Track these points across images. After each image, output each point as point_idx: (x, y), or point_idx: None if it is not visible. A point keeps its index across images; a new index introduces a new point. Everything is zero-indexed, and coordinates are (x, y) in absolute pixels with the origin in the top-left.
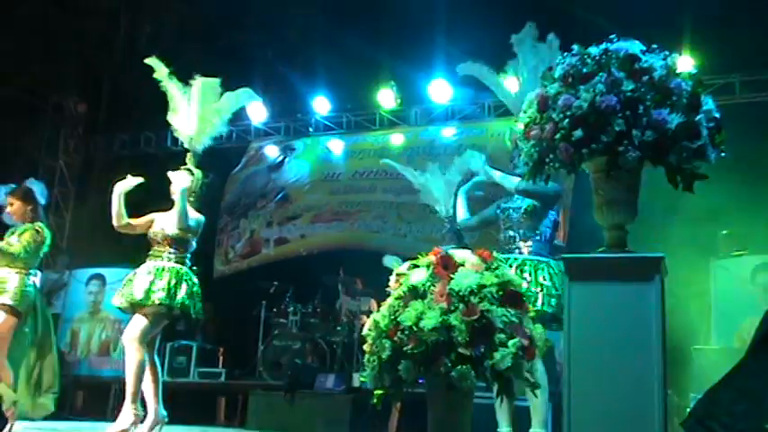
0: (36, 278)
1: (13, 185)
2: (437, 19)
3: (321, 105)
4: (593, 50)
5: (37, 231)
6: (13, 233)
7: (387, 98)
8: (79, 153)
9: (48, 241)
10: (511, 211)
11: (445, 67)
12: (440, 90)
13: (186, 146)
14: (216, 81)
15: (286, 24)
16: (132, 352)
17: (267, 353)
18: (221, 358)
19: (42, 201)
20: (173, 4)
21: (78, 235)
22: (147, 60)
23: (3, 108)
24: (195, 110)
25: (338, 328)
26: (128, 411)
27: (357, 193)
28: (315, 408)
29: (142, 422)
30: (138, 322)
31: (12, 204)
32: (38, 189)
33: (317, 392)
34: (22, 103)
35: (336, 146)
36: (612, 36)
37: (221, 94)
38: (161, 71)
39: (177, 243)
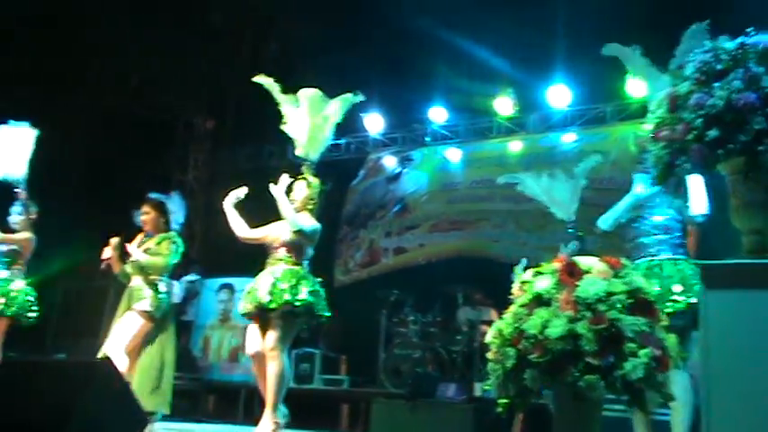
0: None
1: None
2: (555, 22)
3: (438, 114)
4: (728, 45)
5: (173, 242)
6: (144, 242)
7: (504, 105)
8: (207, 167)
9: (180, 250)
10: (648, 218)
11: (564, 72)
12: (559, 95)
13: (302, 156)
14: (318, 92)
15: (401, 35)
16: (273, 361)
17: (388, 361)
18: (344, 366)
19: (182, 213)
20: (294, 23)
21: (208, 245)
22: (257, 79)
23: (139, 127)
24: (305, 120)
25: (458, 338)
26: (267, 420)
27: (475, 201)
28: (436, 417)
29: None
30: (273, 331)
31: (147, 213)
32: (178, 203)
33: (439, 401)
34: (156, 122)
35: (454, 155)
36: (749, 29)
37: (328, 102)
38: (272, 87)
39: (293, 249)
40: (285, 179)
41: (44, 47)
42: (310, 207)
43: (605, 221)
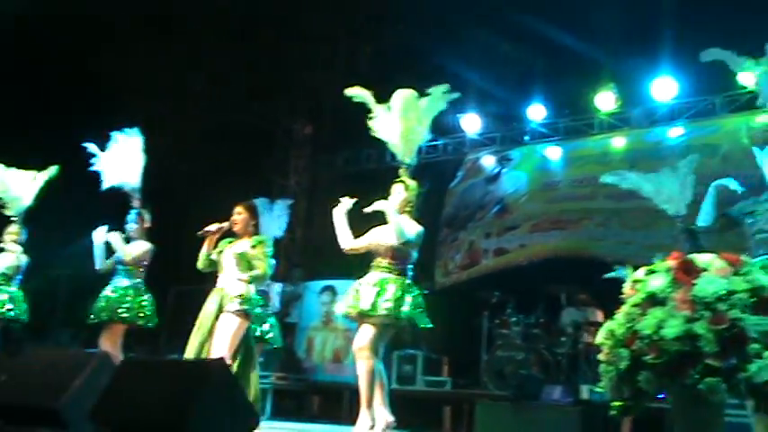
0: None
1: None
2: (658, 10)
3: (536, 112)
4: None
5: (266, 244)
6: (231, 242)
7: (605, 100)
8: (307, 172)
9: (271, 253)
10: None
11: (670, 64)
12: (664, 88)
13: (398, 158)
14: (412, 92)
15: (497, 32)
16: (362, 361)
17: (491, 363)
18: (445, 367)
19: (285, 220)
20: (389, 27)
21: (309, 249)
22: (349, 92)
23: (241, 134)
24: (399, 122)
25: (562, 339)
26: (364, 418)
27: (577, 200)
28: (542, 419)
29: (372, 428)
30: (367, 332)
31: (240, 214)
32: (281, 209)
33: (544, 404)
34: (258, 128)
35: (554, 153)
36: None
37: (420, 101)
38: (365, 98)
39: (398, 255)
40: (397, 190)
41: (152, 60)
42: (408, 210)
43: (700, 218)
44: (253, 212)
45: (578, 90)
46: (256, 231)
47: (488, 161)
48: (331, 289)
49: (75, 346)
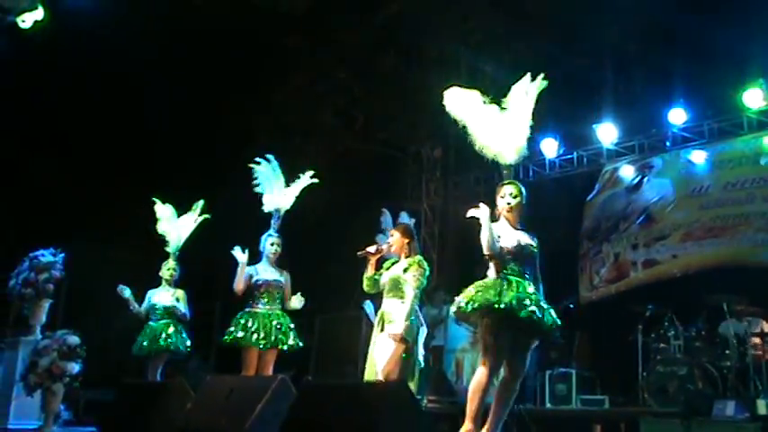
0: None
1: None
2: None
3: (677, 116)
4: None
5: (419, 265)
6: (389, 267)
7: (754, 98)
8: (439, 195)
9: (427, 274)
10: None
11: None
12: None
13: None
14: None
15: (630, 35)
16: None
17: (651, 379)
18: (598, 385)
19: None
20: (511, 44)
21: (446, 270)
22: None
23: (371, 162)
24: (496, 125)
25: (726, 352)
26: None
27: (732, 205)
28: None
29: None
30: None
31: (392, 235)
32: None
33: (717, 420)
34: (386, 155)
35: (699, 157)
36: None
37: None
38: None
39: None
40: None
41: (279, 96)
42: (512, 214)
43: None
44: (406, 233)
45: (722, 89)
46: (413, 252)
47: (627, 171)
48: None
49: (206, 371)
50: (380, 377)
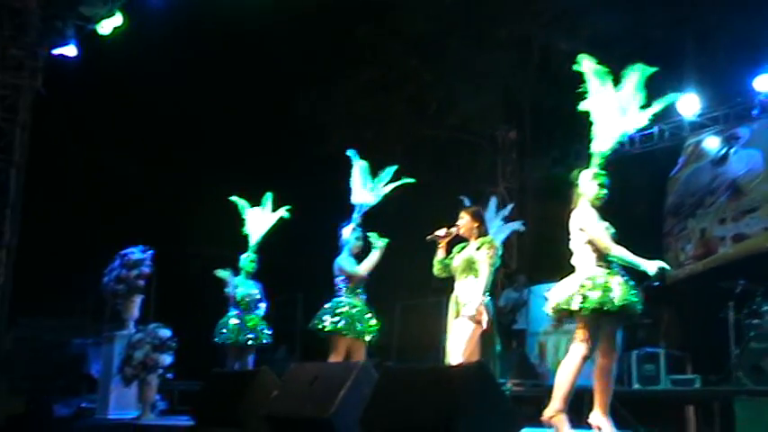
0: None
1: None
2: None
3: (764, 83)
4: None
5: (492, 244)
6: (460, 250)
7: None
8: (515, 177)
9: (500, 253)
10: None
11: None
12: None
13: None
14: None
15: (708, 3)
16: (570, 354)
17: (745, 356)
18: (689, 364)
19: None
20: (586, 19)
21: (525, 253)
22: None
23: (445, 148)
24: (615, 101)
25: None
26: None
27: None
28: None
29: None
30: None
31: (462, 218)
32: (493, 206)
33: None
34: (459, 140)
35: None
36: None
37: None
38: (586, 66)
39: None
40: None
41: (348, 90)
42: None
43: None
44: (475, 216)
45: None
46: (481, 234)
47: (712, 143)
48: None
49: (291, 360)
50: (454, 359)
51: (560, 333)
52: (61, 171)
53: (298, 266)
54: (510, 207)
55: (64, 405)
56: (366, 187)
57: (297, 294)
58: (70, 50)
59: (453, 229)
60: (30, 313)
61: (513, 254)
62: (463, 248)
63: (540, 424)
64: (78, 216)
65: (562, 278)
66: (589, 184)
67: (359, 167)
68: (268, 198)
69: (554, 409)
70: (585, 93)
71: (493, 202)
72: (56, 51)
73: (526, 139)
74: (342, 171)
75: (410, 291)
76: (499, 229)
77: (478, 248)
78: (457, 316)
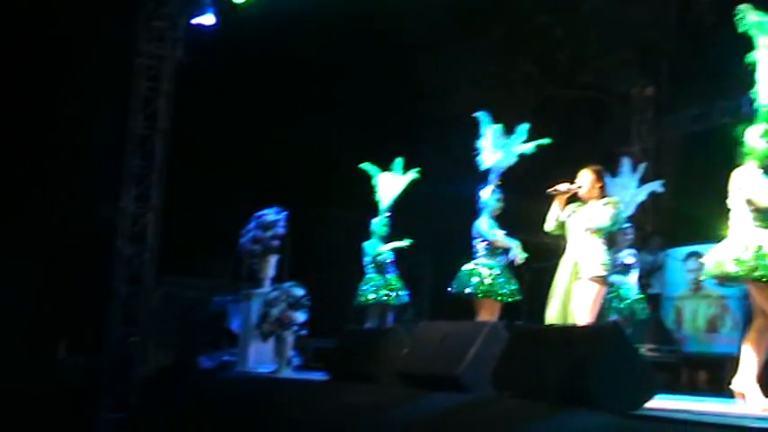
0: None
1: None
2: None
3: None
4: None
5: (615, 205)
6: (579, 207)
7: None
8: (652, 136)
9: (622, 216)
10: None
11: None
12: None
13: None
14: None
15: None
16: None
17: None
18: None
19: (635, 182)
20: None
21: (662, 215)
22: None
23: (576, 108)
24: None
25: None
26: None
27: None
28: None
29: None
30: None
31: (584, 177)
32: (627, 167)
33: None
34: (590, 99)
35: None
36: None
37: None
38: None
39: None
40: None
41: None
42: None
43: None
44: (598, 175)
45: None
46: (603, 195)
47: None
48: (697, 255)
49: (419, 321)
50: (580, 321)
51: (698, 298)
52: (203, 136)
53: (425, 229)
54: (644, 167)
55: (208, 358)
56: (499, 148)
57: (425, 256)
58: (208, 19)
59: (574, 186)
60: (174, 272)
61: (648, 216)
62: (581, 207)
63: (675, 391)
64: (217, 180)
65: (706, 240)
66: (757, 142)
67: (490, 130)
68: (399, 163)
69: (742, 380)
70: (740, 48)
71: (626, 162)
72: (194, 21)
73: (663, 95)
74: (468, 133)
75: (539, 253)
76: (636, 191)
77: (599, 209)
78: (576, 277)
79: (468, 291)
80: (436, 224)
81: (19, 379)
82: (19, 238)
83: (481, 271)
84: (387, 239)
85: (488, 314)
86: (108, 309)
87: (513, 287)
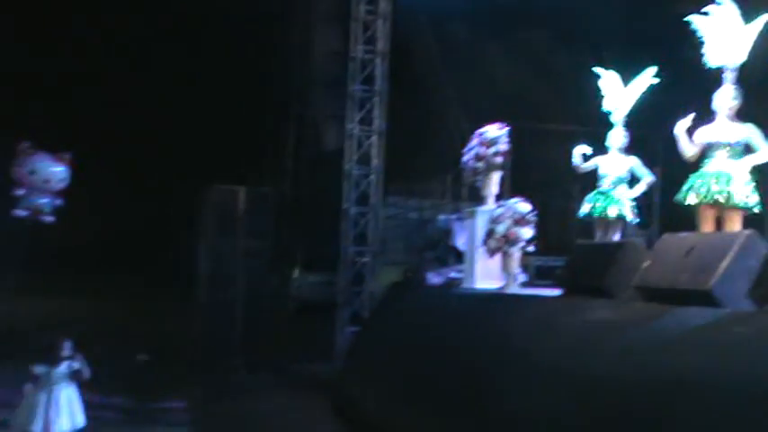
0: None
1: None
2: None
3: None
4: None
5: None
6: None
7: None
8: None
9: None
10: None
11: None
12: None
13: None
14: None
15: None
16: None
17: None
18: None
19: None
20: None
21: None
22: None
23: None
24: None
25: None
26: None
27: None
28: None
29: None
30: None
31: None
32: None
33: None
34: None
35: None
36: None
37: None
38: None
39: None
40: None
41: None
42: None
43: None
44: None
45: None
46: None
47: None
48: None
49: (645, 236)
50: None
51: None
52: (419, 59)
53: (653, 139)
54: None
55: (435, 274)
56: (729, 43)
57: (653, 167)
58: None
59: None
60: (397, 193)
61: None
62: None
63: None
64: (435, 101)
65: None
66: None
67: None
68: (648, 71)
69: None
70: None
71: None
72: None
73: None
74: (691, 38)
75: None
76: None
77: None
78: None
79: (714, 198)
80: (665, 134)
81: (264, 296)
82: (255, 167)
83: (728, 175)
84: (624, 152)
85: (717, 224)
86: (340, 229)
87: (750, 194)
